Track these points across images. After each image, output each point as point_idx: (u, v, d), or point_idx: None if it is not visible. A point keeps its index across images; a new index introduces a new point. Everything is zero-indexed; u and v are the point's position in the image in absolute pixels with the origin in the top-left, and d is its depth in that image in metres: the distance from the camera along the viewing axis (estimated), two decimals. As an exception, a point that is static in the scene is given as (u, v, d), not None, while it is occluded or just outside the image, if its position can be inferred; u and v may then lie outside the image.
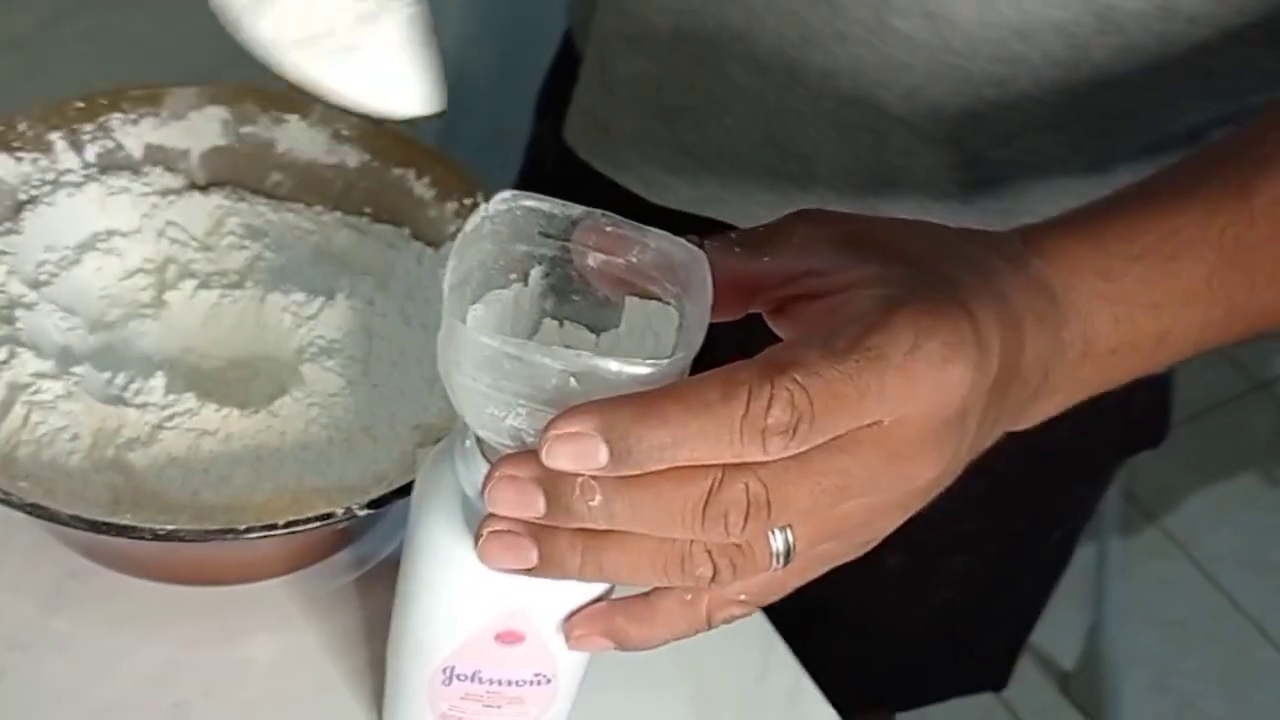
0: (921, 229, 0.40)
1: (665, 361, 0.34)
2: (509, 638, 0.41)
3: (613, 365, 0.33)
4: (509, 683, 0.43)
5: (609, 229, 0.37)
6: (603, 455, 0.32)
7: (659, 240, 0.37)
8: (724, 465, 0.33)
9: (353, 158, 0.60)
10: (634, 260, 0.38)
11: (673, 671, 0.54)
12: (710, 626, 0.39)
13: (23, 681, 0.48)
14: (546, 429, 0.33)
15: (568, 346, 0.37)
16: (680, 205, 0.65)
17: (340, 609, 0.53)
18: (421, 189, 0.59)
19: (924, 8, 0.53)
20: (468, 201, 0.58)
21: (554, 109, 0.72)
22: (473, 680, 0.43)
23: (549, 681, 0.44)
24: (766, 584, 0.38)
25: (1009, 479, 0.71)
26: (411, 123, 0.36)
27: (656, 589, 0.38)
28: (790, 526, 0.35)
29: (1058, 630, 1.42)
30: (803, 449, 0.33)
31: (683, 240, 0.37)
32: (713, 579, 0.35)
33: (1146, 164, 0.59)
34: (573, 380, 0.34)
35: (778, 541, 0.35)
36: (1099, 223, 0.41)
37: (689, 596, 0.38)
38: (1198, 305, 0.42)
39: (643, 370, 0.33)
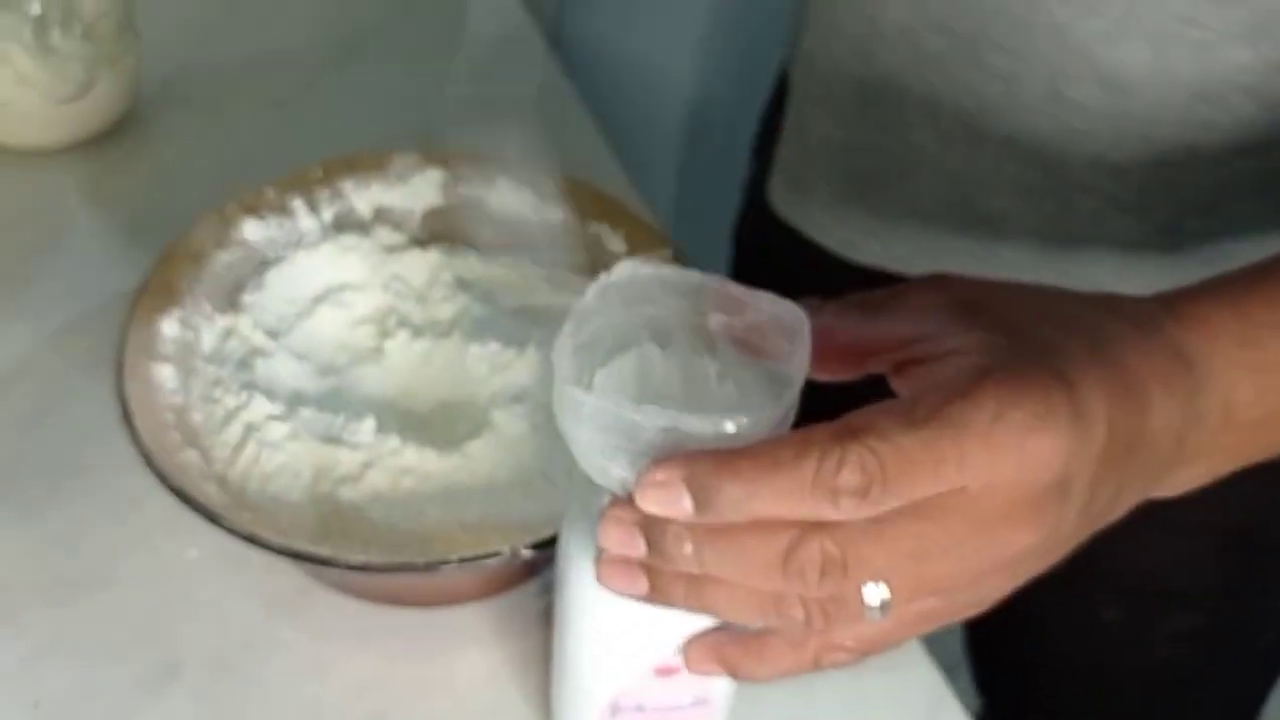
0: (1035, 295, 0.40)
1: (746, 420, 0.36)
2: (667, 671, 0.45)
3: (697, 423, 0.36)
4: (670, 709, 0.47)
5: (726, 292, 0.40)
6: (687, 504, 0.35)
7: (770, 303, 0.40)
8: (804, 523, 0.35)
9: (554, 214, 0.65)
10: (750, 320, 0.40)
11: (839, 710, 0.56)
12: (817, 669, 0.40)
13: (248, 677, 0.55)
14: (639, 477, 0.36)
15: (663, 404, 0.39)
16: (872, 262, 0.66)
17: (527, 634, 0.57)
18: (615, 243, 0.63)
19: (1098, 75, 0.52)
20: (656, 254, 0.61)
21: (765, 153, 0.75)
22: (636, 710, 0.47)
23: (706, 703, 0.47)
24: (873, 634, 0.39)
25: (1237, 534, 0.68)
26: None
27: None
28: (885, 582, 0.36)
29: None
30: (878, 511, 0.34)
31: (791, 304, 0.39)
32: (806, 624, 0.37)
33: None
34: (665, 435, 0.36)
35: (872, 595, 0.36)
36: (1243, 288, 0.40)
37: (798, 637, 0.40)
38: None
39: (727, 428, 0.36)
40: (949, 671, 0.59)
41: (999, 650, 0.82)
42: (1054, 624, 0.74)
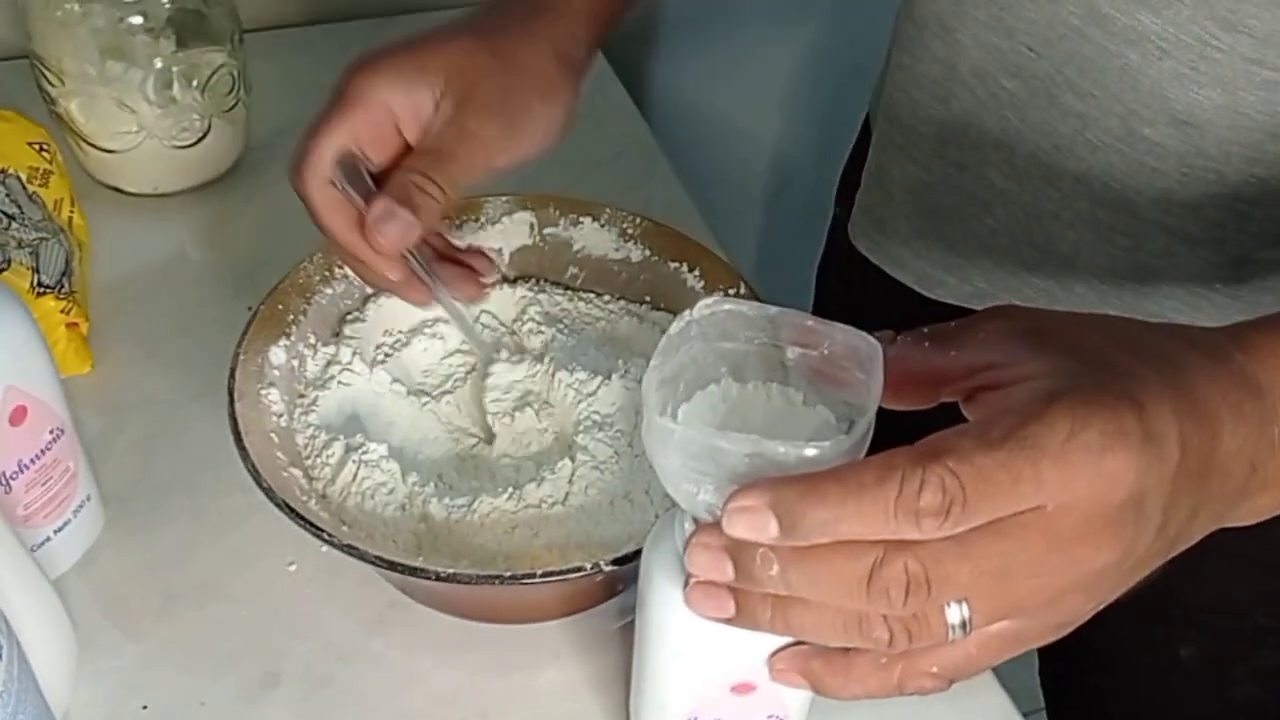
0: (1103, 323, 0.41)
1: (828, 444, 0.37)
2: (744, 688, 0.46)
3: (780, 448, 0.38)
4: None
5: (803, 325, 0.42)
6: (773, 527, 0.37)
7: (844, 334, 0.41)
8: (887, 543, 0.36)
9: (636, 253, 0.68)
10: (826, 352, 0.42)
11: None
12: (901, 693, 0.41)
13: (344, 689, 0.58)
14: (726, 502, 0.38)
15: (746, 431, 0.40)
16: (950, 299, 0.68)
17: (605, 652, 0.60)
18: (693, 280, 0.66)
19: (1171, 115, 0.54)
20: (730, 291, 0.64)
21: (848, 198, 0.78)
22: None
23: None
24: (958, 659, 0.40)
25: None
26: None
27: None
28: (966, 601, 0.37)
29: None
30: (959, 530, 0.35)
31: (865, 334, 0.41)
32: (890, 644, 0.38)
33: None
34: (749, 460, 0.38)
35: (953, 615, 0.37)
36: None
37: (884, 660, 0.40)
38: None
39: (809, 452, 0.37)
40: (1026, 717, 0.60)
41: (1074, 690, 0.82)
42: (1130, 662, 0.74)
